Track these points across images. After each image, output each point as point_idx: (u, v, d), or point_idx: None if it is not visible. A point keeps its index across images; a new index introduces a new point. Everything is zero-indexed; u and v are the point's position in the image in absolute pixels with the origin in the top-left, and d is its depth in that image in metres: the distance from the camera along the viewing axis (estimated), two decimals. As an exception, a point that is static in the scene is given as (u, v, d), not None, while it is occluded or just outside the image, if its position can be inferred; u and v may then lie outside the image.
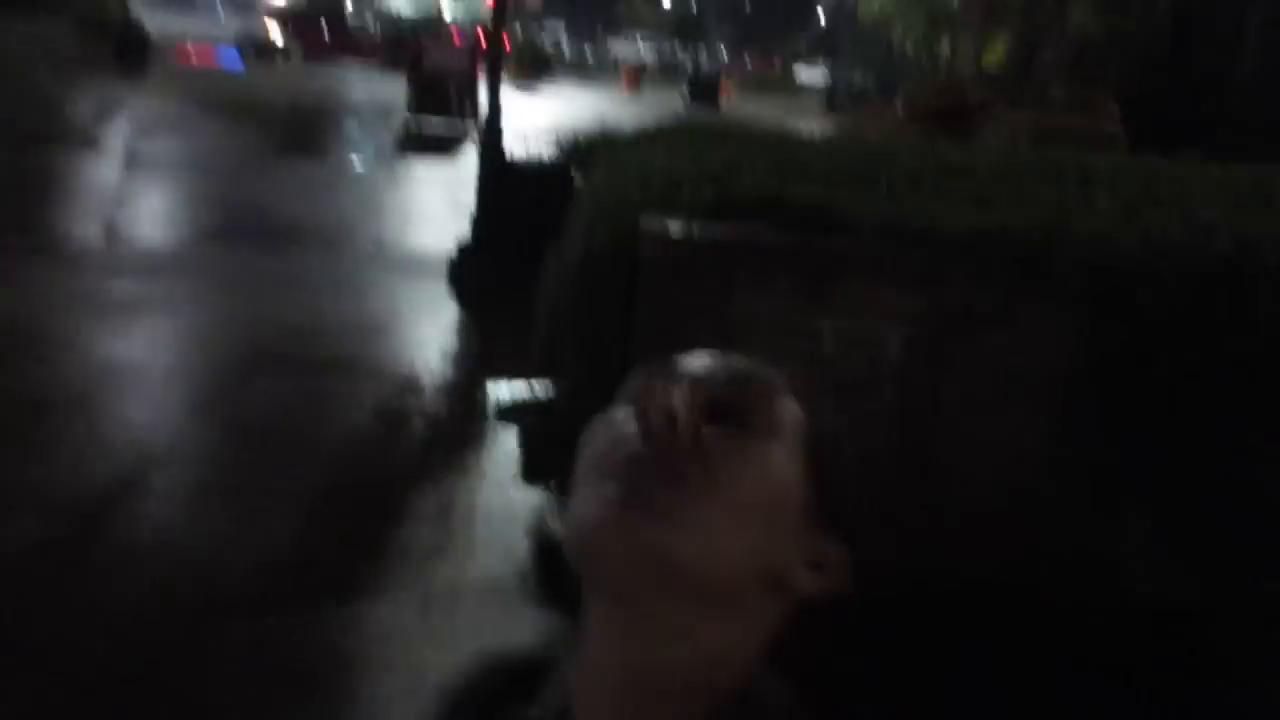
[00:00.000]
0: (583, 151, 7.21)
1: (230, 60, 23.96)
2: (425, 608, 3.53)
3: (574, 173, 6.92)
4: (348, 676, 3.24)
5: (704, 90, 24.84)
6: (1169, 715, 2.97)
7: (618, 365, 3.08)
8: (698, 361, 0.64)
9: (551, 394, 4.22)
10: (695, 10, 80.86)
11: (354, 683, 3.21)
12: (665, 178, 4.14)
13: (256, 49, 26.10)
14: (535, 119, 17.80)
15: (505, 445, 4.74)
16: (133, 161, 11.26)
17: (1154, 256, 3.31)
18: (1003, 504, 3.42)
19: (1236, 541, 3.23)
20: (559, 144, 8.14)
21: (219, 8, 28.37)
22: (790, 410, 0.66)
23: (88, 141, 11.99)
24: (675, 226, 3.40)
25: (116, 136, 12.62)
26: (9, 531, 3.73)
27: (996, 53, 8.02)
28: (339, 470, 4.55)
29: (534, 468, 4.13)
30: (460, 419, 5.35)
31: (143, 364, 5.70)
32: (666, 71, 40.41)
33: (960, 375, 3.45)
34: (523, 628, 3.33)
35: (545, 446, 4.03)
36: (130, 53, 20.24)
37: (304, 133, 15.36)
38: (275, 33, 27.89)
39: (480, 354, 6.38)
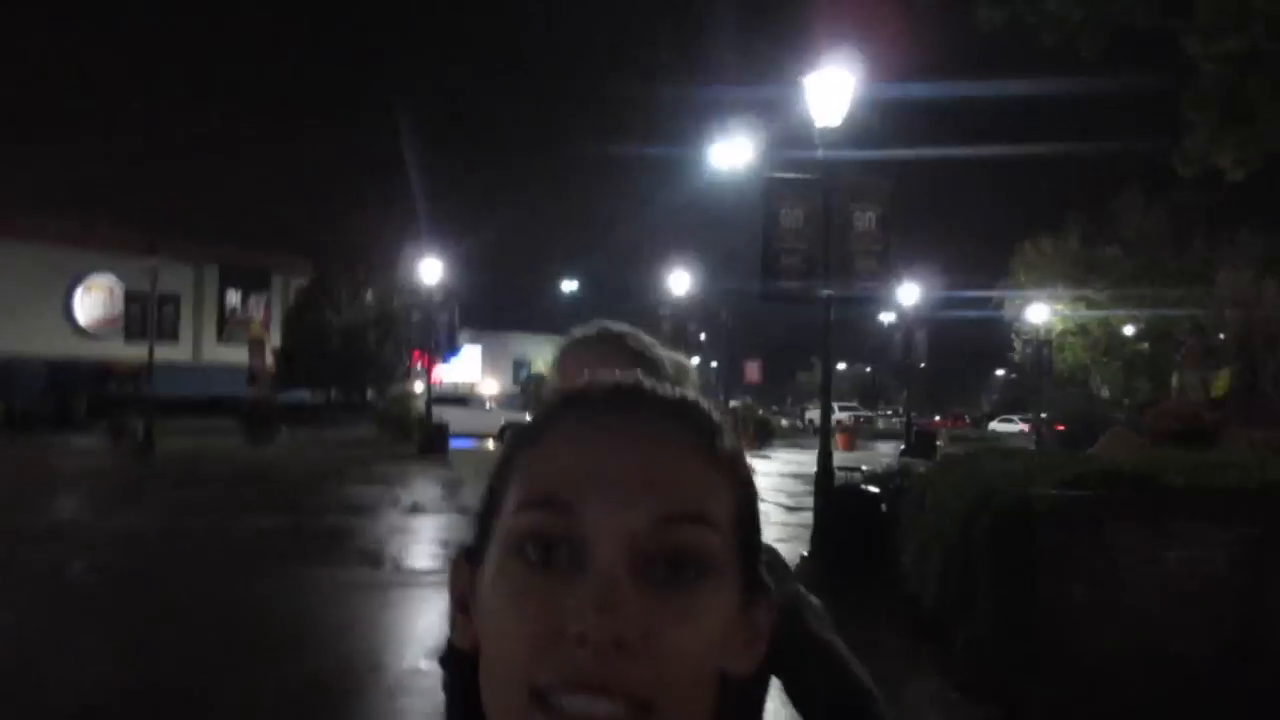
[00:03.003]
0: (896, 477, 9.34)
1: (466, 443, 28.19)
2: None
3: (886, 491, 9.00)
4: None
5: (920, 444, 27.03)
6: None
7: (1029, 585, 4.96)
8: (620, 495, 0.53)
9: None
10: (874, 379, 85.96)
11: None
12: (1013, 472, 6.17)
13: (518, 432, 30.53)
14: (793, 470, 20.24)
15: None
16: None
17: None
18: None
19: None
20: (865, 475, 10.30)
21: (487, 404, 33.54)
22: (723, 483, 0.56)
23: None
24: (1059, 490, 5.34)
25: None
26: None
27: (1222, 382, 9.69)
28: None
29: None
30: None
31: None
32: (862, 431, 43.24)
33: (1266, 580, 5.05)
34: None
35: (981, 662, 5.66)
36: (434, 444, 24.38)
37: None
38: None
39: (842, 608, 8.06)
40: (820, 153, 9.01)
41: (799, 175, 9.67)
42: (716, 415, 0.59)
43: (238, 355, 50.09)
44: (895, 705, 5.04)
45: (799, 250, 9.07)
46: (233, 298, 56.68)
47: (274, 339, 48.40)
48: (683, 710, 0.51)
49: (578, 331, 1.29)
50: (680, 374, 1.31)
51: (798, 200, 9.39)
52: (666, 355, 1.32)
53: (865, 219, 9.31)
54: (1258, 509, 5.13)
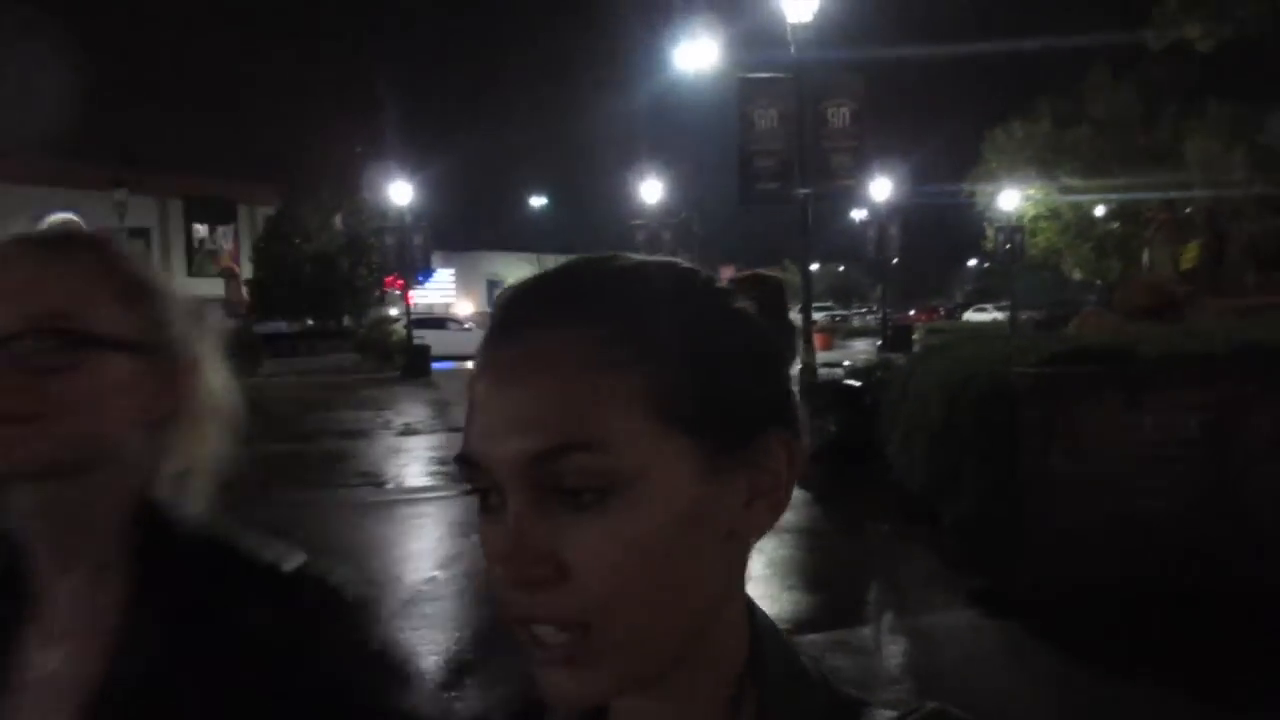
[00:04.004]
0: (877, 370, 9.59)
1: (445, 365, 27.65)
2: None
3: (867, 384, 9.26)
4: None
5: (897, 338, 27.41)
6: None
7: (1010, 462, 5.22)
8: (507, 419, 0.52)
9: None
10: (848, 277, 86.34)
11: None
12: (992, 355, 6.40)
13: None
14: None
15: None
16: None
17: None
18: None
19: None
20: (847, 371, 10.56)
21: (465, 325, 33.78)
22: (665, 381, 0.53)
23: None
24: (1036, 369, 5.57)
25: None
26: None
27: (1191, 254, 9.93)
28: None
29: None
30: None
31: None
32: (839, 330, 43.67)
33: (1237, 440, 5.34)
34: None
35: (969, 538, 5.96)
36: (417, 367, 24.53)
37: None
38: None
39: (833, 500, 8.26)
40: (793, 50, 8.99)
41: (772, 75, 9.66)
42: (630, 289, 0.55)
43: (208, 288, 49.61)
44: (891, 583, 5.33)
45: (774, 151, 9.12)
46: (200, 230, 55.92)
47: (245, 270, 47.99)
48: (627, 621, 0.51)
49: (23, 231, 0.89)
50: None
51: (771, 101, 9.40)
52: None
53: (839, 116, 9.35)
54: (1225, 373, 5.38)
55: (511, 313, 0.55)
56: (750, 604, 0.59)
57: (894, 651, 5.02)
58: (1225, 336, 5.78)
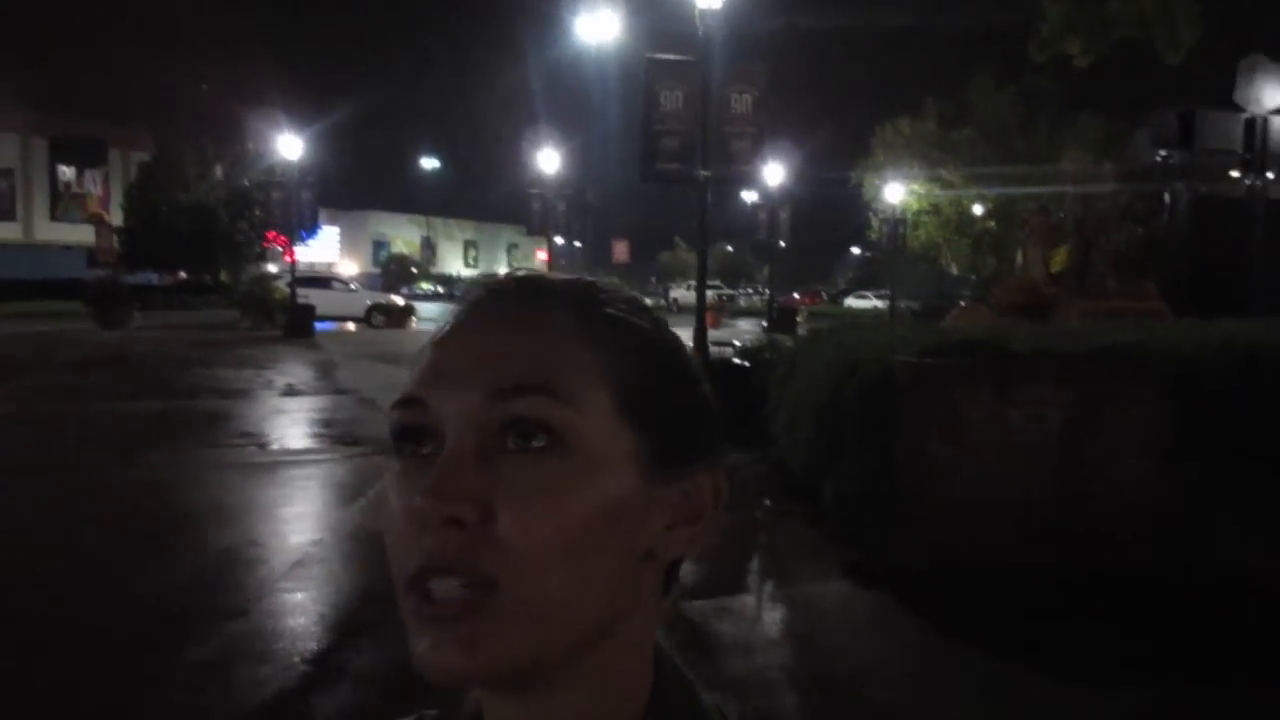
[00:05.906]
0: (765, 351, 9.90)
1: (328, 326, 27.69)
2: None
3: (755, 365, 9.57)
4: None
5: (782, 320, 28.09)
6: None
7: (890, 444, 5.54)
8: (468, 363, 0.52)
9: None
10: (737, 258, 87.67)
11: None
12: (876, 343, 6.73)
13: (387, 314, 30.54)
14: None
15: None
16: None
17: (1200, 354, 5.72)
18: (1129, 509, 5.66)
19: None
20: (738, 351, 10.85)
21: (351, 285, 33.14)
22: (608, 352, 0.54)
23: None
24: (917, 359, 5.90)
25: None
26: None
27: (1060, 258, 10.64)
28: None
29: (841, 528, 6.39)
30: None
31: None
32: (726, 309, 44.47)
33: (1093, 433, 5.78)
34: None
35: (847, 515, 6.28)
36: (300, 326, 23.96)
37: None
38: (400, 300, 32.64)
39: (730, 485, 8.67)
40: (701, 33, 9.15)
41: (679, 57, 9.81)
42: (595, 290, 0.57)
43: (73, 234, 47.21)
44: (771, 554, 5.59)
45: (677, 132, 9.30)
46: (66, 173, 52.96)
47: (115, 217, 45.75)
48: (537, 588, 0.50)
49: None
50: None
51: (676, 82, 9.56)
52: None
53: (742, 102, 9.59)
54: (1087, 372, 5.81)
55: (488, 290, 0.56)
56: (658, 647, 0.59)
57: (773, 618, 5.29)
58: (1089, 337, 6.23)
